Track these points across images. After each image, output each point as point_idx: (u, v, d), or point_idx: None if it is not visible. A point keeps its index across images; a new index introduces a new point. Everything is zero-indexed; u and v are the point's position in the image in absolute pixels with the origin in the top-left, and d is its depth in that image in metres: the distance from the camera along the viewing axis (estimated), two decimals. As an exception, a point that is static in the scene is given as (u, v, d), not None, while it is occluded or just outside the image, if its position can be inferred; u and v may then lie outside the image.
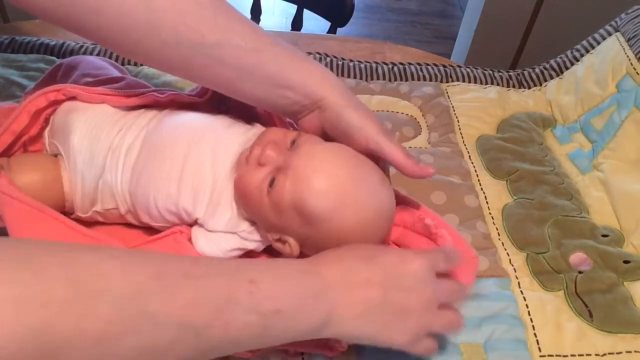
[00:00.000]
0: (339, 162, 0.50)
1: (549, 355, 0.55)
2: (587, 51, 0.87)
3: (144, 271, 0.37)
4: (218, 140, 0.55)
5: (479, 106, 0.84)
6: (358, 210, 0.50)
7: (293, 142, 0.52)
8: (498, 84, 0.90)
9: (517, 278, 0.62)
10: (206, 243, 0.54)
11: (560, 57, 0.91)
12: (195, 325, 0.38)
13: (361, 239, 0.51)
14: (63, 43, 0.85)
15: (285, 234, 0.51)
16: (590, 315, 0.59)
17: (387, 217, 0.53)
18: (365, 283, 0.44)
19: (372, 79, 0.89)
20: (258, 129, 0.59)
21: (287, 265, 0.45)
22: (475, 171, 0.75)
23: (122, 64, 0.83)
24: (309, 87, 0.54)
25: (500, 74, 0.92)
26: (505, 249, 0.65)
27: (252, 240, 0.55)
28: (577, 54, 0.88)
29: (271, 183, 0.49)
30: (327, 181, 0.49)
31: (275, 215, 0.50)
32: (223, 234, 0.54)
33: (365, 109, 0.55)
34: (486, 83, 0.90)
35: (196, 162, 0.54)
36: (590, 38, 0.88)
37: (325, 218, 0.49)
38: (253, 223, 0.55)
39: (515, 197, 0.71)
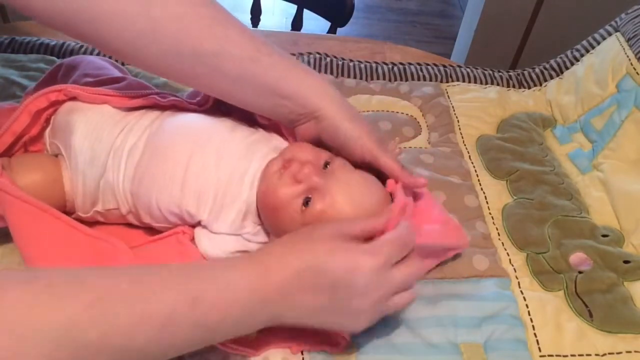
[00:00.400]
0: (373, 196, 0.54)
1: (549, 355, 0.55)
2: (587, 51, 0.87)
3: (79, 301, 0.37)
4: (223, 143, 0.55)
5: (479, 106, 0.84)
6: None
7: (326, 165, 0.54)
8: (498, 84, 0.90)
9: (517, 278, 0.62)
10: (209, 244, 0.54)
11: (560, 57, 0.91)
12: (138, 345, 0.38)
13: None
14: (63, 43, 0.85)
15: None
16: (590, 315, 0.59)
17: None
18: (312, 291, 0.45)
19: (372, 79, 0.89)
20: (261, 133, 0.59)
21: (233, 271, 0.44)
22: (475, 171, 0.75)
23: (122, 64, 0.83)
24: (305, 98, 0.55)
25: (500, 74, 0.92)
26: (505, 249, 0.65)
27: (256, 242, 0.55)
28: (577, 54, 0.88)
29: (305, 202, 0.51)
30: (363, 212, 0.52)
31: None
32: (227, 235, 0.54)
33: (362, 120, 0.56)
34: (486, 83, 0.90)
35: (200, 165, 0.54)
36: (590, 38, 0.88)
37: None
38: (257, 224, 0.55)
39: (515, 197, 0.71)
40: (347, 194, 0.52)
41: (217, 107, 0.62)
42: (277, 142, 0.59)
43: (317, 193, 0.52)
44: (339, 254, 0.46)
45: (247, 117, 0.61)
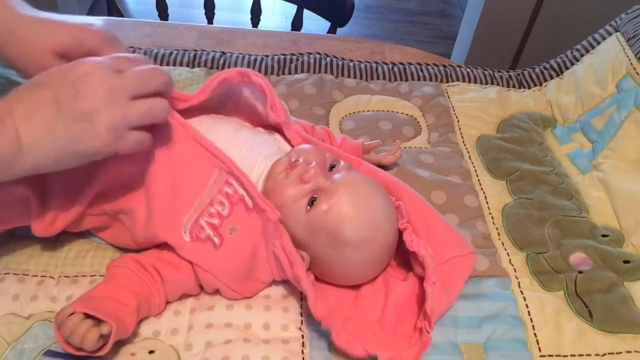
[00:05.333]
0: (377, 199, 0.54)
1: (549, 355, 0.55)
2: (587, 51, 0.87)
3: None
4: (227, 144, 0.56)
5: (479, 106, 0.84)
6: (384, 244, 0.54)
7: (331, 167, 0.55)
8: (498, 84, 0.90)
9: (517, 278, 0.62)
10: None
11: (560, 57, 0.91)
12: None
13: (373, 269, 0.55)
14: (63, 43, 0.85)
15: (303, 248, 0.53)
16: (590, 315, 0.59)
17: (393, 249, 0.57)
18: (40, 104, 0.44)
19: (372, 79, 0.89)
20: (264, 134, 0.60)
21: None
22: (475, 171, 0.75)
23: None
24: None
25: (500, 74, 0.92)
26: (505, 249, 0.65)
27: None
28: (577, 54, 0.88)
29: (310, 202, 0.52)
30: (367, 214, 0.52)
31: (305, 231, 0.53)
32: None
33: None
34: (486, 83, 0.90)
35: None
36: (590, 38, 0.88)
37: (355, 246, 0.52)
38: None
39: (515, 197, 0.71)
40: (353, 195, 0.53)
41: (221, 108, 0.62)
42: (280, 144, 0.60)
43: (323, 193, 0.52)
44: (62, 65, 0.46)
45: (250, 120, 0.61)
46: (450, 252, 0.56)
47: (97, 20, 0.54)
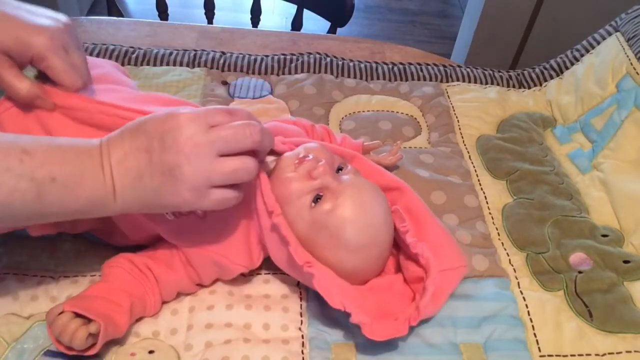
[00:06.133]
0: (380, 207, 0.54)
1: (548, 355, 0.55)
2: (587, 51, 0.87)
3: None
4: None
5: (479, 106, 0.84)
6: (381, 252, 0.54)
7: (338, 169, 0.55)
8: (498, 84, 0.90)
9: (516, 278, 0.62)
10: None
11: (560, 57, 0.91)
12: None
13: (371, 271, 0.55)
14: (63, 43, 0.85)
15: (303, 247, 0.53)
16: (590, 315, 0.59)
17: (387, 259, 0.57)
18: (135, 150, 0.44)
19: (372, 79, 0.89)
20: None
21: (68, 141, 0.45)
22: (475, 171, 0.75)
23: (122, 64, 0.83)
24: None
25: (500, 74, 0.92)
26: (505, 249, 0.65)
27: None
28: (577, 54, 0.88)
29: (315, 199, 0.52)
30: (369, 219, 0.53)
31: (305, 228, 0.52)
32: None
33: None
34: (486, 83, 0.90)
35: None
36: (590, 38, 0.88)
37: (353, 250, 0.52)
38: None
39: (515, 197, 0.71)
40: (357, 199, 0.52)
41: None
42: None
43: (329, 192, 0.52)
44: (158, 113, 0.45)
45: None
46: (440, 265, 0.54)
47: (61, 18, 0.53)
